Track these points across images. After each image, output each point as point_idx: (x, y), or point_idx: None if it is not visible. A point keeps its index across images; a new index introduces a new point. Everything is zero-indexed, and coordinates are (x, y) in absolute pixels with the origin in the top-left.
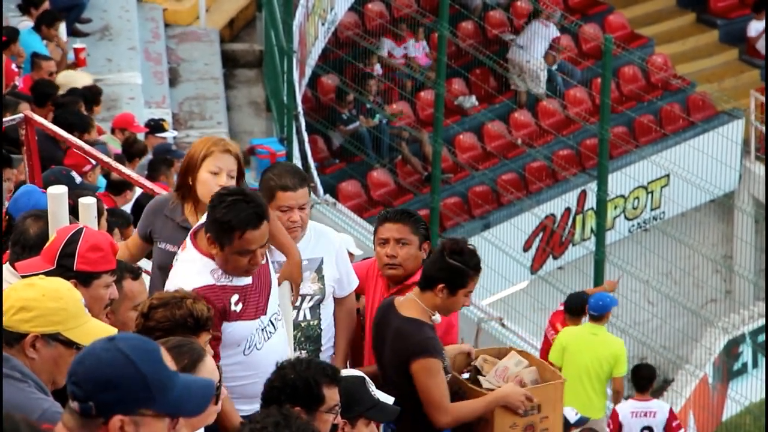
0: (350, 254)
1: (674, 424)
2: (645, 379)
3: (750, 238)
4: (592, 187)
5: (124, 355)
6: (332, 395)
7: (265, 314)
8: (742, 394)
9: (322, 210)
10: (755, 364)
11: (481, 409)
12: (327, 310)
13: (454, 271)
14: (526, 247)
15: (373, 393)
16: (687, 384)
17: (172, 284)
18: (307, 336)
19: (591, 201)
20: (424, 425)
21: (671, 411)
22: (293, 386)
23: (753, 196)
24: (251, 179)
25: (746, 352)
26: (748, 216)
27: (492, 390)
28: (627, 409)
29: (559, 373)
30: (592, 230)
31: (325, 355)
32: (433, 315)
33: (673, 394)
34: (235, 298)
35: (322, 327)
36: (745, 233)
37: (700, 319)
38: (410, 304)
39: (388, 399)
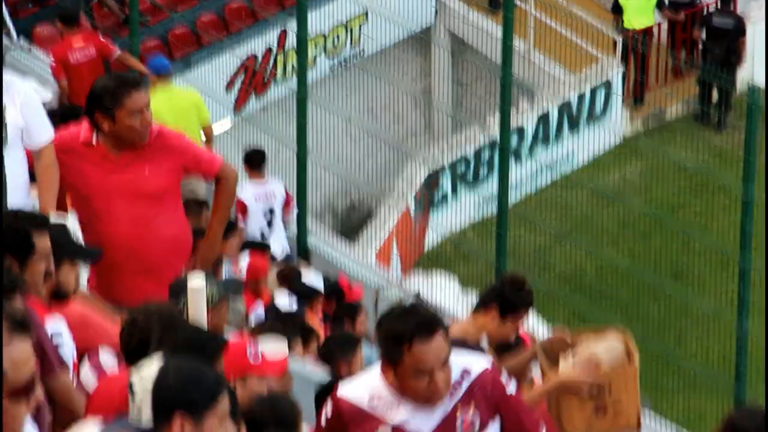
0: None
1: (290, 201)
2: (256, 158)
3: (447, 71)
4: (292, 26)
5: None
6: (43, 243)
7: None
8: (442, 224)
9: (16, 56)
10: (454, 195)
11: (539, 398)
12: (10, 157)
13: (508, 300)
14: (228, 88)
15: (74, 238)
16: (390, 217)
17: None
18: None
19: (291, 40)
20: None
21: (287, 191)
22: (2, 237)
23: (449, 30)
24: None
25: (446, 184)
26: (444, 50)
27: None
28: (250, 194)
29: (636, 357)
30: (293, 69)
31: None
32: (482, 339)
33: (376, 227)
34: (383, 430)
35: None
36: (442, 67)
37: (401, 153)
38: (459, 327)
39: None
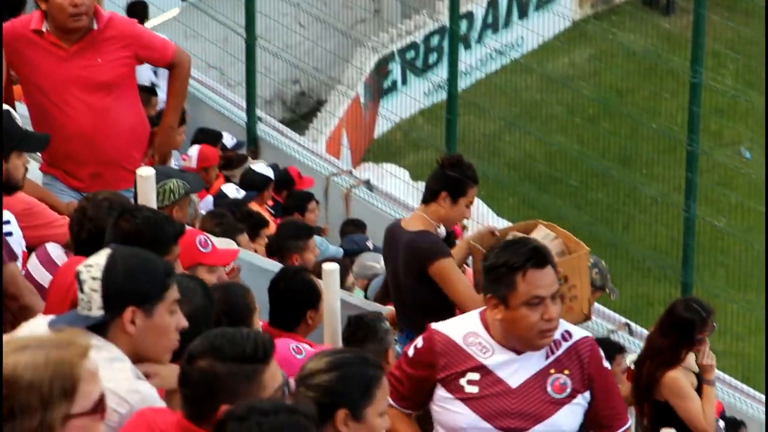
0: None
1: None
2: (139, 10)
3: None
4: None
5: None
6: None
7: None
8: (393, 111)
9: None
10: (404, 82)
11: None
12: None
13: (453, 181)
14: None
15: (20, 125)
16: (339, 104)
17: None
18: None
19: None
20: None
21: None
22: None
23: None
24: None
25: (395, 71)
26: None
27: None
28: None
29: (583, 243)
30: None
31: None
32: (438, 227)
33: (326, 115)
34: (473, 376)
35: None
36: None
37: (350, 40)
38: (415, 220)
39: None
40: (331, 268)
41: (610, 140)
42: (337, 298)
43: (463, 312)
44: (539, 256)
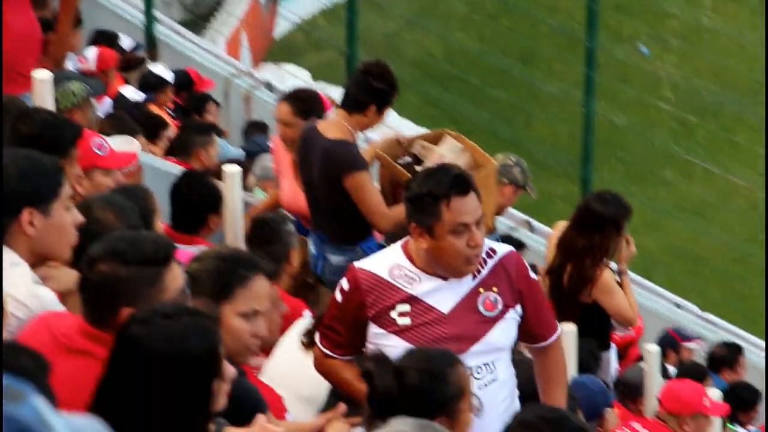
0: None
1: None
2: None
3: None
4: None
5: None
6: None
7: None
8: (293, 11)
9: None
10: None
11: None
12: None
13: (381, 93)
14: None
15: None
16: (238, 5)
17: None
18: None
19: None
20: (353, 232)
21: None
22: None
23: None
24: None
25: None
26: None
27: None
28: None
29: (491, 157)
30: None
31: None
32: (355, 134)
33: (225, 15)
34: (403, 307)
35: None
36: None
37: None
38: (334, 127)
39: None
40: (233, 171)
41: (510, 38)
42: (239, 200)
43: (373, 224)
44: (462, 184)
